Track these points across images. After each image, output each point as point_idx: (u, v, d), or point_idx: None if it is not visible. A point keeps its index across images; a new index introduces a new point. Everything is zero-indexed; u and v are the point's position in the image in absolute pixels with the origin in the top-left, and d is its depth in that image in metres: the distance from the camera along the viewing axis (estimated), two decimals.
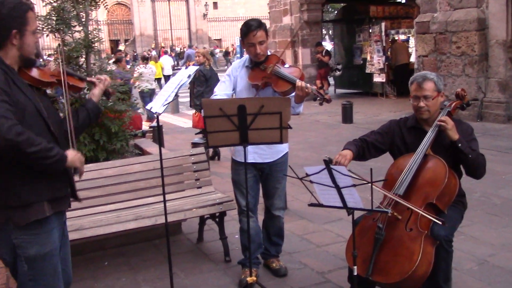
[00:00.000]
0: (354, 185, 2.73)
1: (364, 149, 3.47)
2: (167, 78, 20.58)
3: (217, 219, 4.55)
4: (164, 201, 3.46)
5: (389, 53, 15.48)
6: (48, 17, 5.19)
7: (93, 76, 2.98)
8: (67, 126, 2.55)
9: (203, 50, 9.85)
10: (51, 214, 2.44)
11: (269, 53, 3.80)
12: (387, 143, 3.51)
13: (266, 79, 3.61)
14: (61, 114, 2.98)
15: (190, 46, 32.48)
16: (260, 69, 3.69)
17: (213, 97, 3.79)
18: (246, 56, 3.93)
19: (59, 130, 2.54)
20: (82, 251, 4.57)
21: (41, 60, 2.61)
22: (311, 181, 2.87)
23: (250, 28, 3.65)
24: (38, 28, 2.57)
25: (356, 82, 16.86)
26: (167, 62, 22.51)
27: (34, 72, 2.50)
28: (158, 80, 19.48)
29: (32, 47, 2.47)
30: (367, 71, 15.72)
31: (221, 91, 3.81)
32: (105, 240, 4.63)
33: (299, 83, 3.47)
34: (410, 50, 16.25)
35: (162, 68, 21.27)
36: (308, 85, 3.48)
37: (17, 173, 2.34)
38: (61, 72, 2.60)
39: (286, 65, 3.79)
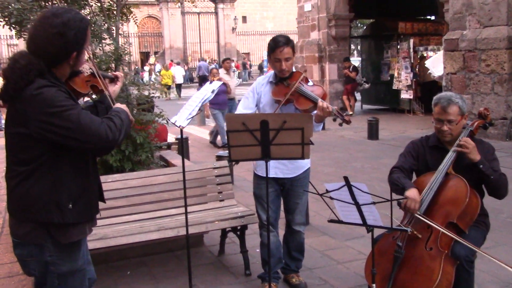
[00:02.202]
0: (373, 203, 2.74)
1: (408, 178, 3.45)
2: (178, 86, 26.58)
3: (238, 232, 4.58)
4: (186, 212, 3.51)
5: (417, 69, 15.37)
6: None
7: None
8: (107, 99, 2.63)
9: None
10: (83, 236, 2.49)
11: (294, 70, 3.85)
12: (417, 163, 3.49)
13: (288, 95, 3.65)
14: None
15: (202, 59, 33.89)
16: (284, 85, 3.74)
17: (235, 112, 3.86)
18: (271, 72, 3.99)
19: None
20: (106, 259, 4.66)
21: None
22: (331, 198, 2.89)
23: (278, 44, 3.71)
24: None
25: (383, 98, 16.77)
26: (178, 72, 27.14)
27: (76, 83, 2.53)
28: (168, 87, 24.10)
29: (83, 61, 2.50)
30: (395, 87, 15.64)
31: (244, 107, 3.88)
32: (128, 249, 4.70)
33: (320, 103, 3.50)
34: None
35: (174, 77, 26.11)
36: (329, 105, 3.50)
37: (62, 191, 2.36)
38: (97, 76, 2.62)
39: (310, 83, 3.82)
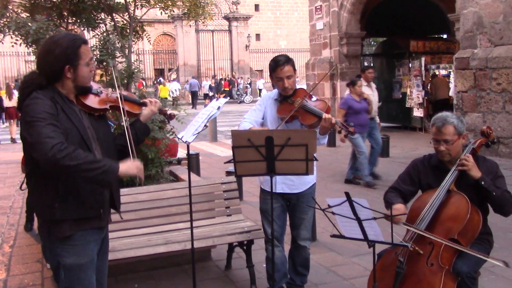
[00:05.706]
0: (374, 218, 2.78)
1: (403, 198, 3.50)
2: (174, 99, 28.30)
3: (244, 247, 4.63)
4: (192, 227, 3.57)
5: (428, 87, 15.38)
6: (93, 49, 5.50)
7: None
8: (126, 140, 2.76)
9: None
10: (76, 232, 2.62)
11: (297, 87, 3.93)
12: (417, 183, 3.53)
13: (293, 112, 3.73)
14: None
15: (193, 77, 35.35)
16: (288, 103, 3.82)
17: (242, 121, 3.95)
18: (276, 90, 4.06)
19: (108, 152, 2.74)
20: (114, 273, 4.71)
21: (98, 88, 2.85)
22: (333, 213, 2.94)
23: (278, 63, 3.80)
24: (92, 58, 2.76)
25: (394, 116, 16.77)
26: (174, 86, 32.29)
27: (89, 99, 2.71)
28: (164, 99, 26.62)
29: (86, 77, 2.68)
30: (407, 105, 15.65)
31: (250, 117, 3.97)
32: (136, 263, 4.77)
33: (325, 115, 3.57)
34: (450, 85, 16.10)
35: (170, 91, 30.10)
36: (333, 118, 3.59)
37: (50, 191, 2.55)
38: (119, 98, 2.81)
39: (314, 98, 3.90)
